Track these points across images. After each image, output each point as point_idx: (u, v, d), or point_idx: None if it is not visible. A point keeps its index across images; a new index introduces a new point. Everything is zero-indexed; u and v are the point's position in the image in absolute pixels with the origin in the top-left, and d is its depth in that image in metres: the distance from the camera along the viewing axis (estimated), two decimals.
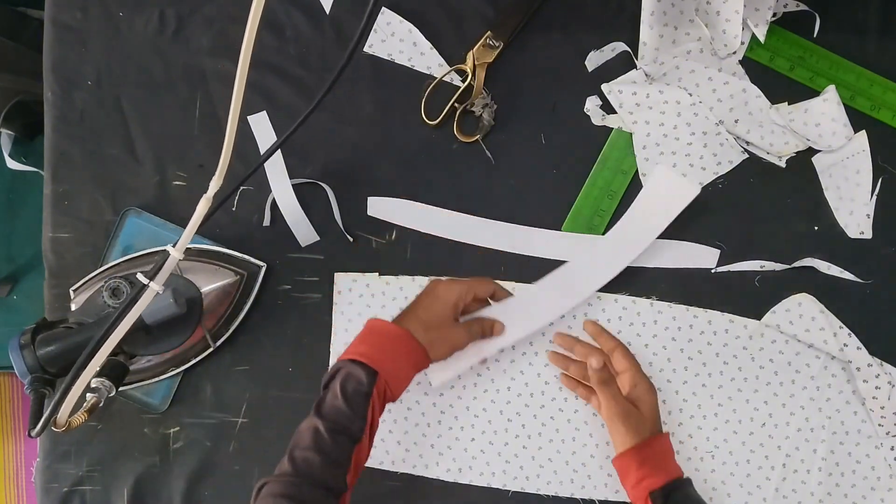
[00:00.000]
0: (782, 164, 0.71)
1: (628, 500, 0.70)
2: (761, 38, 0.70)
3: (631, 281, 0.72)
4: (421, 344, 0.61)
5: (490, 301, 0.69)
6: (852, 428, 0.70)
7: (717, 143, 0.71)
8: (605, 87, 0.72)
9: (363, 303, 0.74)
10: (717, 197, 0.72)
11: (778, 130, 0.71)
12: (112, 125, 0.77)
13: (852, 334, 0.69)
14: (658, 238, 0.70)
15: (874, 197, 0.71)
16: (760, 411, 0.70)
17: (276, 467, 0.56)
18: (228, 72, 0.76)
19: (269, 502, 0.53)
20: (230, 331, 0.73)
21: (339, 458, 0.56)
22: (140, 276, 0.57)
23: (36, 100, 0.99)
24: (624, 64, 0.73)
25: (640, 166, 0.72)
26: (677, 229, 0.72)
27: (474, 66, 0.73)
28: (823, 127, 0.70)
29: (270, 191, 0.74)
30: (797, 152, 0.71)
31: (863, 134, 0.70)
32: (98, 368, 0.57)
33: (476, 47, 0.73)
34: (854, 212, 0.71)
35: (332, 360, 0.74)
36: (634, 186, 0.72)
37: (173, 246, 0.57)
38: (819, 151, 0.71)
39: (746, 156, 0.72)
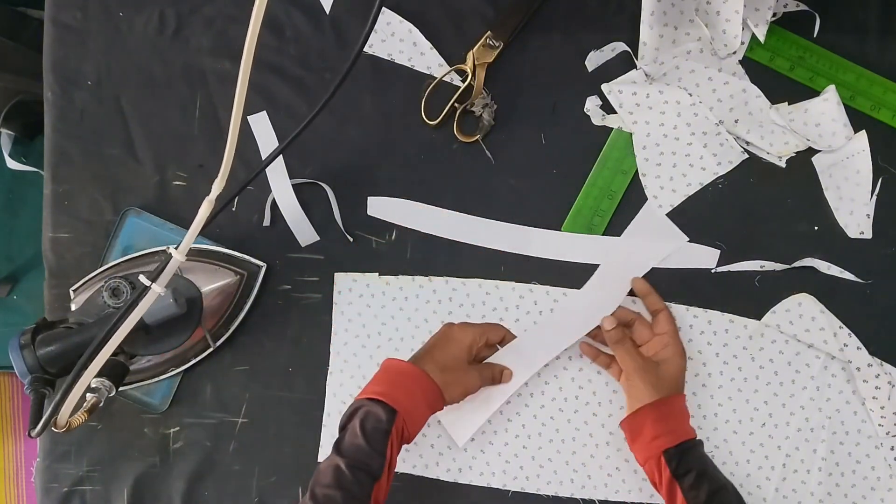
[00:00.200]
0: (782, 164, 0.71)
1: (628, 501, 0.71)
2: (761, 38, 0.70)
3: None
4: (437, 385, 0.62)
5: (498, 347, 0.70)
6: (852, 428, 0.70)
7: (717, 143, 0.71)
8: (605, 87, 0.72)
9: (363, 303, 0.74)
10: (717, 197, 0.72)
11: (778, 130, 0.71)
12: (112, 125, 0.77)
13: (852, 334, 0.69)
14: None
15: (874, 197, 0.71)
16: (760, 411, 0.70)
17: None
18: (228, 72, 0.76)
19: None
20: (230, 331, 0.73)
21: (360, 494, 0.56)
22: (142, 278, 0.56)
23: (36, 100, 0.99)
24: (624, 64, 0.73)
25: (640, 166, 0.72)
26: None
27: (474, 66, 0.73)
28: (823, 127, 0.70)
29: (270, 191, 0.74)
30: (797, 152, 0.71)
31: (863, 134, 0.70)
32: (99, 369, 0.57)
33: (476, 47, 0.73)
34: (854, 212, 0.71)
35: (332, 360, 0.74)
36: (634, 186, 0.72)
37: (176, 248, 0.57)
38: (819, 151, 0.71)
39: (746, 156, 0.72)
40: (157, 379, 0.74)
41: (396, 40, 0.75)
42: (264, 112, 0.75)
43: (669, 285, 0.71)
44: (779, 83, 0.72)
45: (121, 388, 0.68)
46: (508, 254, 0.73)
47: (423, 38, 0.74)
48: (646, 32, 0.70)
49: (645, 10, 0.69)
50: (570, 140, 0.73)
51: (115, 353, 0.65)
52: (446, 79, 0.74)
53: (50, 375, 0.60)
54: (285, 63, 0.76)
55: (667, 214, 0.72)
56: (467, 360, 0.66)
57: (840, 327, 0.70)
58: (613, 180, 0.72)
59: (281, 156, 0.74)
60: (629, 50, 0.73)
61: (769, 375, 0.71)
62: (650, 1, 0.68)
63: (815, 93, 0.72)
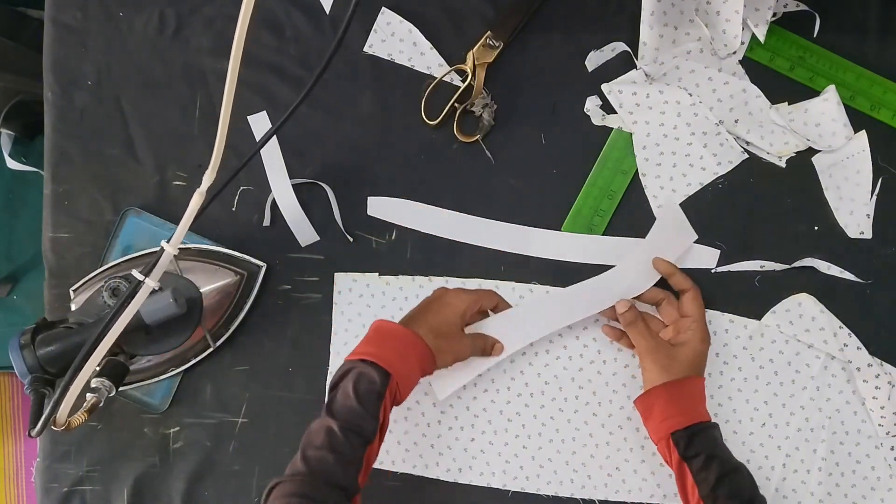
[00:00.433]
0: (782, 164, 0.71)
1: (628, 501, 0.71)
2: (761, 38, 0.70)
3: None
4: (431, 349, 0.61)
5: (490, 312, 0.69)
6: (852, 428, 0.70)
7: (717, 143, 0.71)
8: (605, 87, 0.72)
9: (363, 303, 0.74)
10: (717, 197, 0.72)
11: (778, 130, 0.71)
12: (112, 125, 0.77)
13: (852, 334, 0.69)
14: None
15: (874, 197, 0.71)
16: (760, 411, 0.70)
17: (288, 467, 0.55)
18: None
19: (284, 503, 0.51)
20: (230, 331, 0.73)
21: (352, 457, 0.55)
22: (135, 273, 0.57)
23: (36, 100, 0.99)
24: (624, 64, 0.73)
25: (640, 166, 0.72)
26: None
27: (474, 66, 0.73)
28: (823, 127, 0.70)
29: (270, 191, 0.74)
30: (797, 152, 0.71)
31: (863, 134, 0.70)
32: (97, 366, 0.57)
33: (476, 47, 0.73)
34: (854, 212, 0.71)
35: (332, 360, 0.74)
36: (634, 186, 0.72)
37: (168, 241, 0.57)
38: (819, 151, 0.71)
39: (746, 156, 0.72)
40: (157, 379, 0.74)
41: (396, 40, 0.75)
42: (264, 112, 0.75)
43: (670, 285, 0.71)
44: (779, 83, 0.72)
45: (121, 388, 0.68)
46: (508, 254, 0.73)
47: (423, 38, 0.74)
48: (646, 32, 0.70)
49: (645, 10, 0.69)
50: (570, 140, 0.73)
51: (114, 353, 0.65)
52: (446, 79, 0.74)
53: (50, 375, 0.60)
54: (285, 63, 0.76)
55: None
56: (460, 327, 0.65)
57: (840, 327, 0.70)
58: (613, 180, 0.72)
59: (281, 156, 0.74)
60: (629, 50, 0.73)
61: (769, 375, 0.71)
62: (650, 1, 0.68)
63: (815, 93, 0.72)
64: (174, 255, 0.58)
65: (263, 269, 0.73)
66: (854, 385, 0.70)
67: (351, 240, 0.75)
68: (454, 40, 0.74)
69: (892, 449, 0.69)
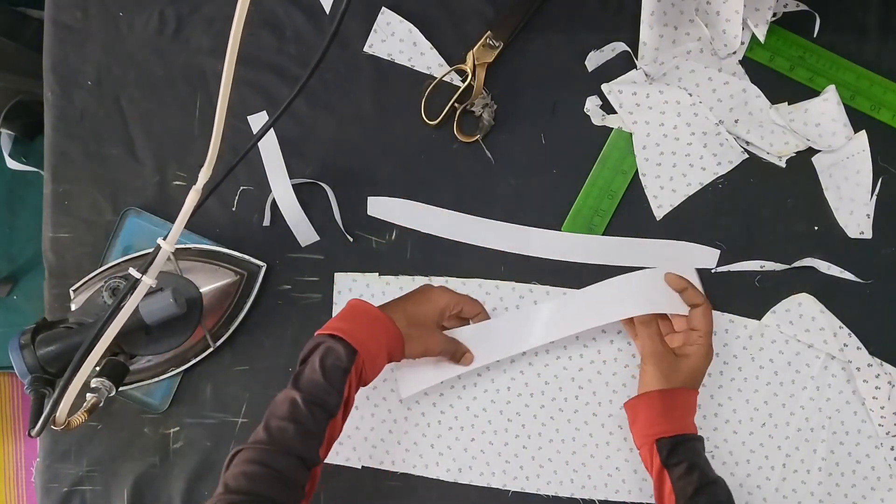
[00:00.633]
0: (782, 164, 0.71)
1: (628, 501, 0.71)
2: (761, 38, 0.70)
3: None
4: (401, 334, 0.61)
5: (470, 321, 0.69)
6: (852, 428, 0.70)
7: (717, 143, 0.71)
8: (605, 87, 0.72)
9: None
10: (717, 197, 0.72)
11: (778, 130, 0.71)
12: (112, 125, 0.77)
13: (852, 334, 0.69)
14: (658, 239, 0.70)
15: (874, 197, 0.71)
16: (760, 411, 0.70)
17: (251, 435, 0.57)
18: None
19: (243, 468, 0.53)
20: (230, 331, 0.73)
21: (314, 429, 0.56)
22: (132, 271, 0.57)
23: (36, 100, 0.99)
24: (624, 64, 0.73)
25: (640, 166, 0.72)
26: (677, 230, 0.72)
27: (474, 66, 0.73)
28: (823, 127, 0.70)
29: (270, 191, 0.74)
30: (797, 152, 0.71)
31: (863, 134, 0.70)
32: (96, 366, 0.57)
33: (476, 47, 0.73)
34: (854, 212, 0.71)
35: None
36: (634, 186, 0.72)
37: (164, 239, 0.57)
38: (819, 151, 0.71)
39: (746, 156, 0.72)
40: (157, 379, 0.74)
41: (396, 40, 0.75)
42: (264, 112, 0.75)
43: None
44: (779, 83, 0.72)
45: (121, 388, 0.67)
46: (508, 254, 0.73)
47: (423, 38, 0.74)
48: (646, 32, 0.70)
49: (645, 10, 0.69)
50: (570, 140, 0.73)
51: (114, 353, 0.65)
52: (446, 79, 0.74)
53: (50, 375, 0.60)
54: (285, 63, 0.76)
55: (666, 214, 0.72)
56: (436, 323, 0.66)
57: (840, 327, 0.70)
58: (613, 180, 0.72)
59: (281, 156, 0.74)
60: (629, 50, 0.73)
61: (769, 375, 0.71)
62: (650, 1, 0.68)
63: (815, 93, 0.72)
64: (173, 255, 0.58)
65: (263, 269, 0.73)
66: (854, 385, 0.70)
67: (351, 240, 0.75)
68: (454, 40, 0.74)
69: (892, 449, 0.69)
